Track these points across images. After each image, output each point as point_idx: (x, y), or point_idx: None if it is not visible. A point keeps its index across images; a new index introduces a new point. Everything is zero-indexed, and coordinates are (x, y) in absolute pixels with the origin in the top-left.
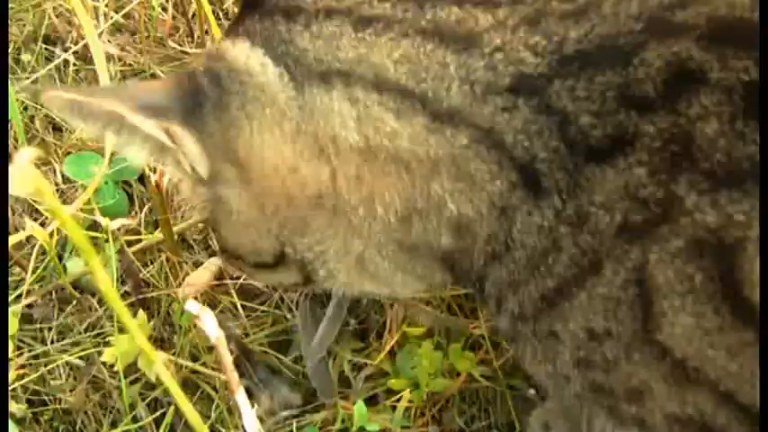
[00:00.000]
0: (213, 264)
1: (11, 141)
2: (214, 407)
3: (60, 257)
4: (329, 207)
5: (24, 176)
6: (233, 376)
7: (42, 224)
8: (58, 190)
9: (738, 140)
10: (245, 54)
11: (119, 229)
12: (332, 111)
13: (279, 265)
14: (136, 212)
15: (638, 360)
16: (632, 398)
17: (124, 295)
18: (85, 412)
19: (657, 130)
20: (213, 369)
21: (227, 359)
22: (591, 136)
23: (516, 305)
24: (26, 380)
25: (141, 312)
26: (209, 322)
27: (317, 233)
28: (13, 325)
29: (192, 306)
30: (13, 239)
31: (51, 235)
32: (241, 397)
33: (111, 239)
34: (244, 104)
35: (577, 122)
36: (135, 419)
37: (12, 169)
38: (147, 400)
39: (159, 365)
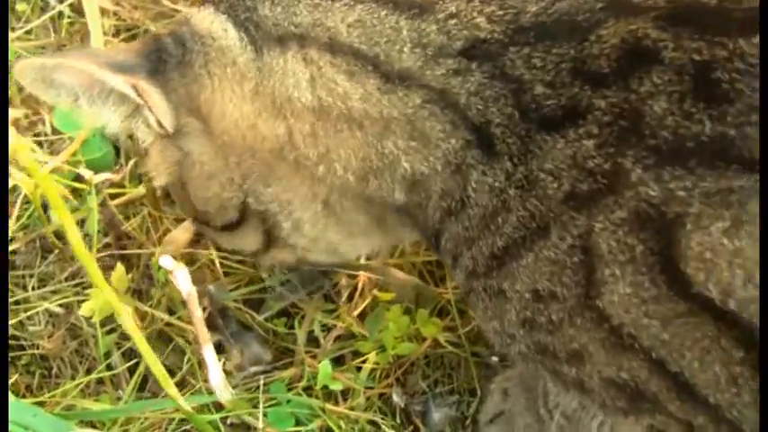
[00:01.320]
0: None
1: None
2: (186, 359)
3: (45, 207)
4: (291, 159)
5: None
6: (202, 330)
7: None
8: (46, 141)
9: (685, 120)
10: (209, 19)
11: (103, 182)
12: (287, 72)
13: (242, 222)
14: (121, 165)
15: (579, 324)
16: (572, 360)
17: (105, 246)
18: (62, 359)
19: (608, 105)
20: (187, 323)
21: (198, 314)
22: (544, 105)
23: (470, 261)
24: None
25: (120, 265)
26: (181, 277)
27: (282, 181)
28: None
29: (167, 262)
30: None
31: (37, 186)
32: (208, 351)
33: (93, 192)
34: (206, 63)
35: (532, 91)
36: (110, 368)
37: None
38: (122, 350)
39: (126, 318)
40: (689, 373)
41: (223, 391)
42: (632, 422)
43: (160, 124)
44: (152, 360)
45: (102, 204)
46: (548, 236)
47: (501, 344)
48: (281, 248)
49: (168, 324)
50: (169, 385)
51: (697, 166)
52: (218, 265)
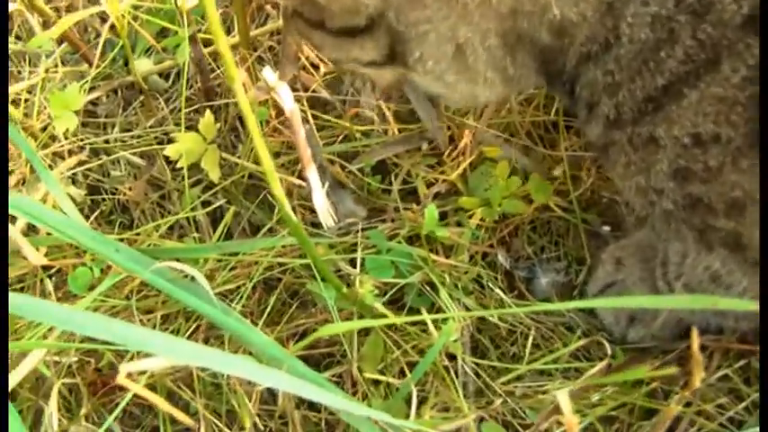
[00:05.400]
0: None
1: None
2: (276, 211)
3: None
4: None
5: None
6: (305, 150)
7: (103, 19)
8: None
9: None
10: None
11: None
12: None
13: (366, 32)
14: None
15: (745, 167)
16: (731, 212)
17: (190, 98)
18: (143, 211)
19: None
20: (279, 171)
21: (301, 133)
22: None
23: (612, 109)
24: (85, 166)
25: (209, 113)
26: (284, 94)
27: (428, 9)
28: (78, 100)
29: (269, 75)
30: (84, 13)
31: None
32: (312, 173)
33: (185, 19)
34: None
35: None
36: (194, 221)
37: None
38: (203, 201)
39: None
40: None
41: (326, 216)
42: None
43: None
44: (260, 143)
45: (193, 42)
46: (718, 68)
47: (643, 203)
48: (397, 67)
49: (255, 177)
50: (273, 176)
51: None
52: (310, 118)
